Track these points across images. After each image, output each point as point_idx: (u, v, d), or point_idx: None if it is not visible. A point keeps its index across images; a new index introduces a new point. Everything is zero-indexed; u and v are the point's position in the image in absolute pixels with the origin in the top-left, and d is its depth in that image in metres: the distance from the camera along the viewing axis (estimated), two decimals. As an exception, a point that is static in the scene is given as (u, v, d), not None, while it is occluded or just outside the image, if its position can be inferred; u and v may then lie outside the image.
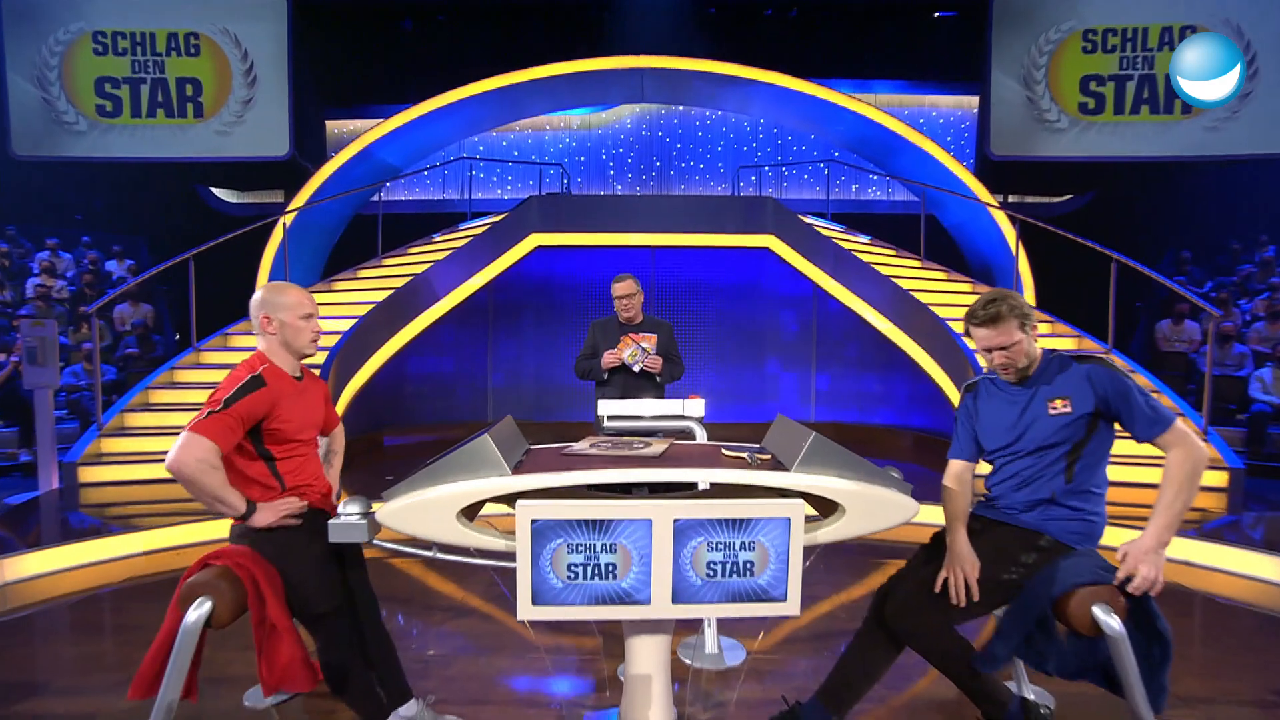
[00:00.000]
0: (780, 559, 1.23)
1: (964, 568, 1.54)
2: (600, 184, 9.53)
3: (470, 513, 1.37)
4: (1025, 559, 1.50)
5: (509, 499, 1.40)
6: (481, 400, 6.89)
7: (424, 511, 1.28)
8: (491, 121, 8.03)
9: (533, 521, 1.23)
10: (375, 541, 1.40)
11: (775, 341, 7.06)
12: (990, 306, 1.56)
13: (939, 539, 1.68)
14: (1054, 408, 1.51)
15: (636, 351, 2.85)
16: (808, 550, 1.27)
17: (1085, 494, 1.52)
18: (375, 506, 1.35)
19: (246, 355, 1.78)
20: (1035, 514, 1.52)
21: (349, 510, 1.35)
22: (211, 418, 1.45)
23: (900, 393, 6.42)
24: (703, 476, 1.34)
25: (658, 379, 2.92)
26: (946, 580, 1.52)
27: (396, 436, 6.21)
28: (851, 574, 3.05)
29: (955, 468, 1.67)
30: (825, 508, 1.38)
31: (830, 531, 1.32)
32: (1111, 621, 1.36)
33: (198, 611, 1.36)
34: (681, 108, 9.00)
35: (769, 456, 1.49)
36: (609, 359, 2.86)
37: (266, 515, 1.50)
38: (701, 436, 2.20)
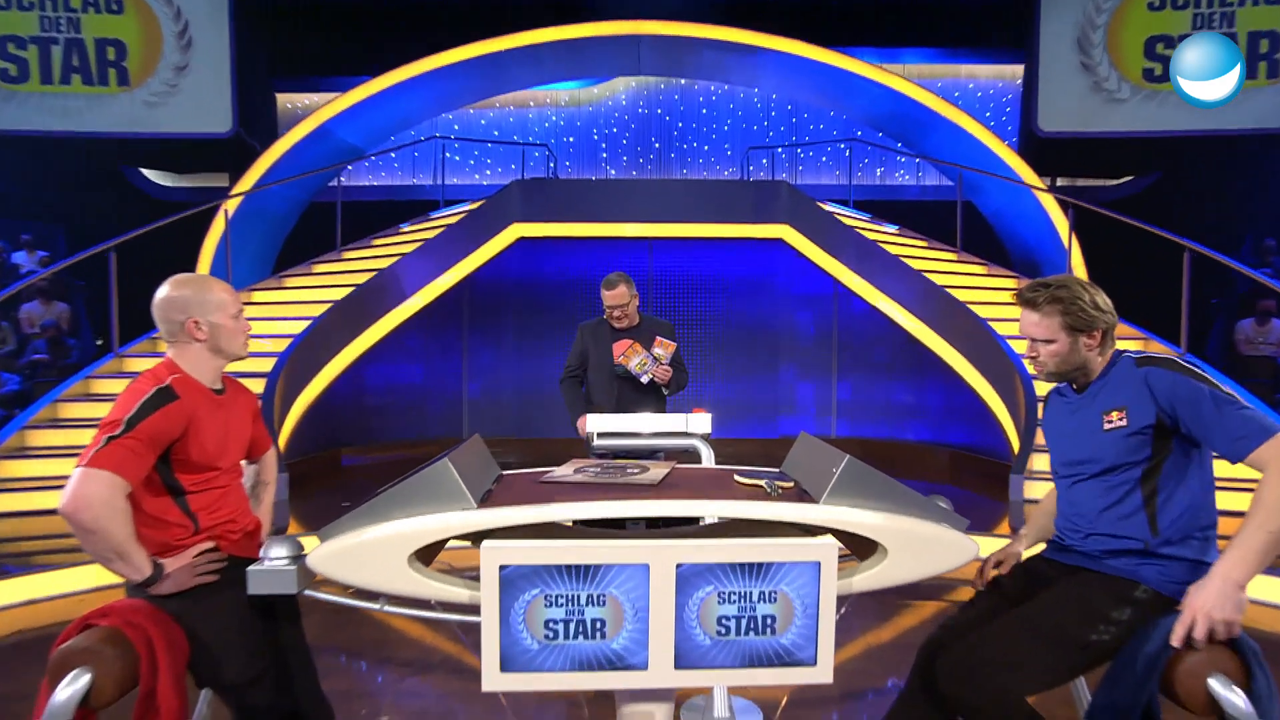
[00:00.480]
0: (808, 613, 1.14)
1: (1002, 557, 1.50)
2: (591, 168, 9.56)
3: (428, 554, 1.28)
4: (1118, 615, 1.35)
5: (476, 537, 1.30)
6: (455, 415, 7.05)
7: (368, 555, 1.18)
8: (468, 96, 7.99)
9: (502, 568, 1.13)
10: (308, 593, 1.29)
11: (791, 346, 7.21)
12: (1037, 290, 1.48)
13: (998, 580, 1.57)
14: (1109, 420, 1.40)
15: (646, 361, 2.80)
16: (839, 600, 1.18)
17: (1185, 541, 1.37)
18: (312, 547, 1.24)
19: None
20: (1124, 561, 1.39)
21: (274, 554, 1.23)
22: (111, 445, 1.30)
23: (934, 404, 6.45)
24: (712, 510, 1.26)
25: (664, 390, 2.91)
26: (1016, 635, 1.36)
27: (357, 456, 6.27)
28: (877, 615, 2.97)
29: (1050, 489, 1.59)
30: (859, 546, 1.30)
31: (869, 578, 1.23)
32: (1234, 698, 1.22)
33: (71, 688, 1.21)
34: (683, 81, 8.97)
35: (791, 484, 1.40)
36: (581, 429, 2.75)
37: (180, 579, 1.36)
38: (708, 458, 2.17)
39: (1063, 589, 1.42)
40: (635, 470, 1.51)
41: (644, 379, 2.80)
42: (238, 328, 1.53)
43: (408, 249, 6.30)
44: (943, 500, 1.31)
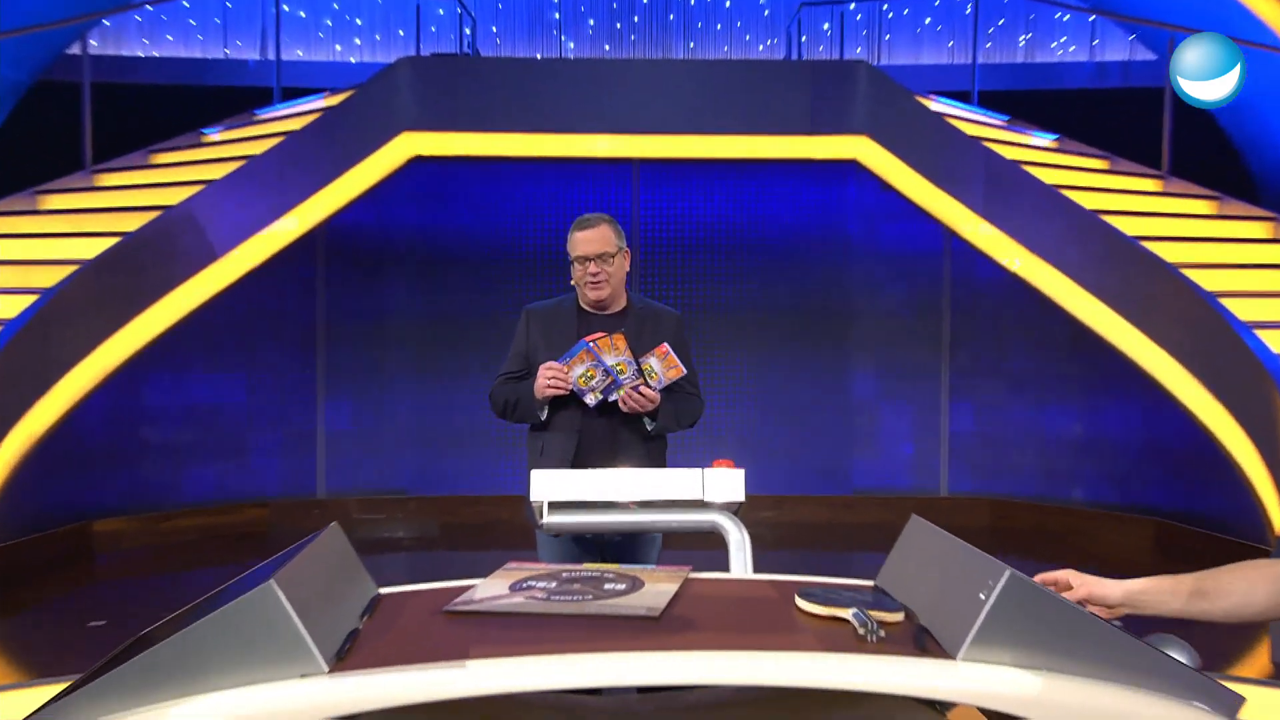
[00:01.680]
0: None
1: (1089, 593, 1.53)
2: (537, 40, 9.54)
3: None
4: None
5: None
6: (305, 459, 7.08)
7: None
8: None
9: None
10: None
11: (871, 340, 7.32)
12: None
13: None
14: None
15: (625, 366, 2.86)
16: None
17: None
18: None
19: None
20: None
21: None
22: None
23: (1120, 439, 6.51)
24: (765, 675, 1.26)
25: (647, 423, 2.96)
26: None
27: (122, 534, 6.21)
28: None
29: None
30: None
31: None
32: None
33: None
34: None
35: (899, 616, 1.43)
36: (540, 376, 2.91)
37: None
38: (743, 549, 2.20)
39: None
40: (618, 583, 1.52)
41: (588, 399, 2.88)
42: None
43: (215, 173, 6.30)
44: (1178, 649, 1.32)
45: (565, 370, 2.84)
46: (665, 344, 2.85)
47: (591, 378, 2.85)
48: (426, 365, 7.11)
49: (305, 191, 6.24)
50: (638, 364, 2.82)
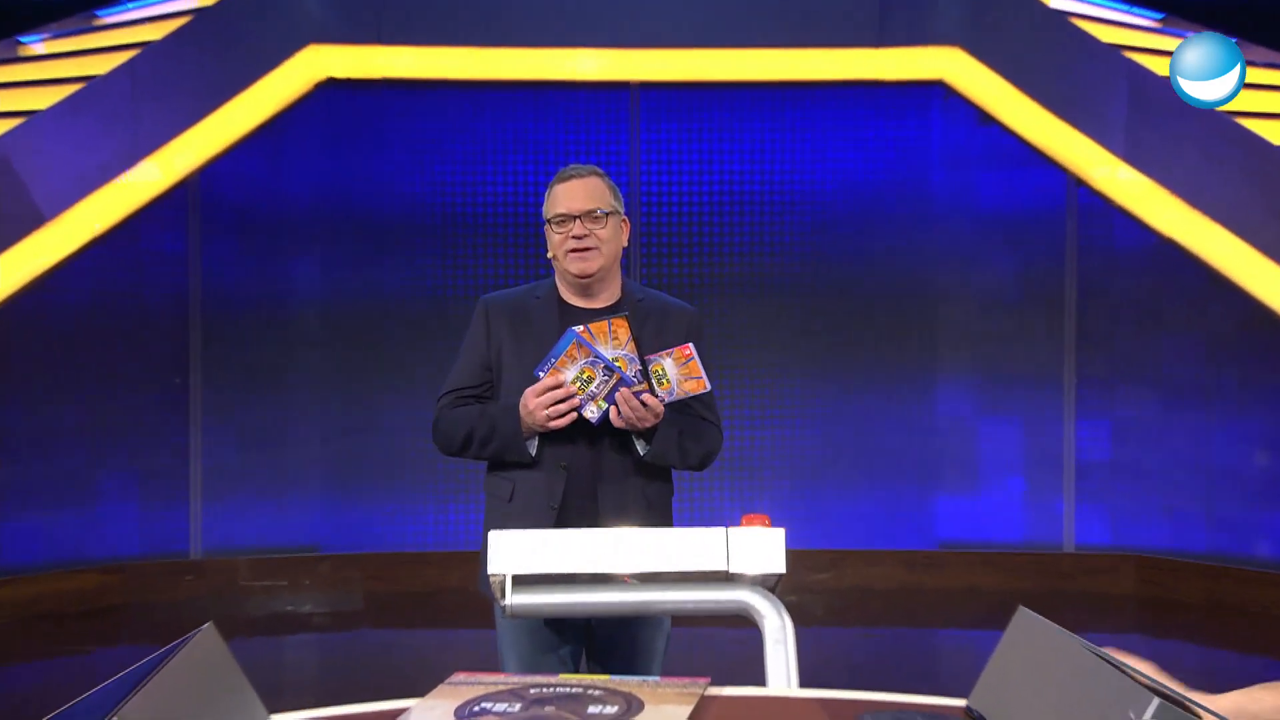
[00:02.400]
0: None
1: None
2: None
3: None
4: None
5: None
6: (171, 504, 7.10)
7: None
8: None
9: None
10: None
11: (962, 336, 7.42)
12: None
13: None
14: None
15: (598, 374, 2.92)
16: None
17: None
18: None
19: None
20: None
21: None
22: None
23: None
24: None
25: (639, 447, 3.04)
26: None
27: None
28: None
29: None
30: None
31: None
32: None
33: None
34: None
35: None
36: (539, 402, 2.96)
37: None
38: (782, 641, 2.18)
39: None
40: (607, 705, 1.58)
41: (587, 413, 2.96)
42: None
43: (40, 101, 6.31)
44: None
45: (556, 377, 2.87)
46: (690, 345, 2.92)
47: (589, 380, 2.88)
48: (345, 373, 7.14)
49: (170, 128, 6.25)
50: (644, 364, 2.86)
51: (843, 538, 7.07)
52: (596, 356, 2.87)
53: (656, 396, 2.90)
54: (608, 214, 3.05)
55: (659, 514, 3.05)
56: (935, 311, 7.24)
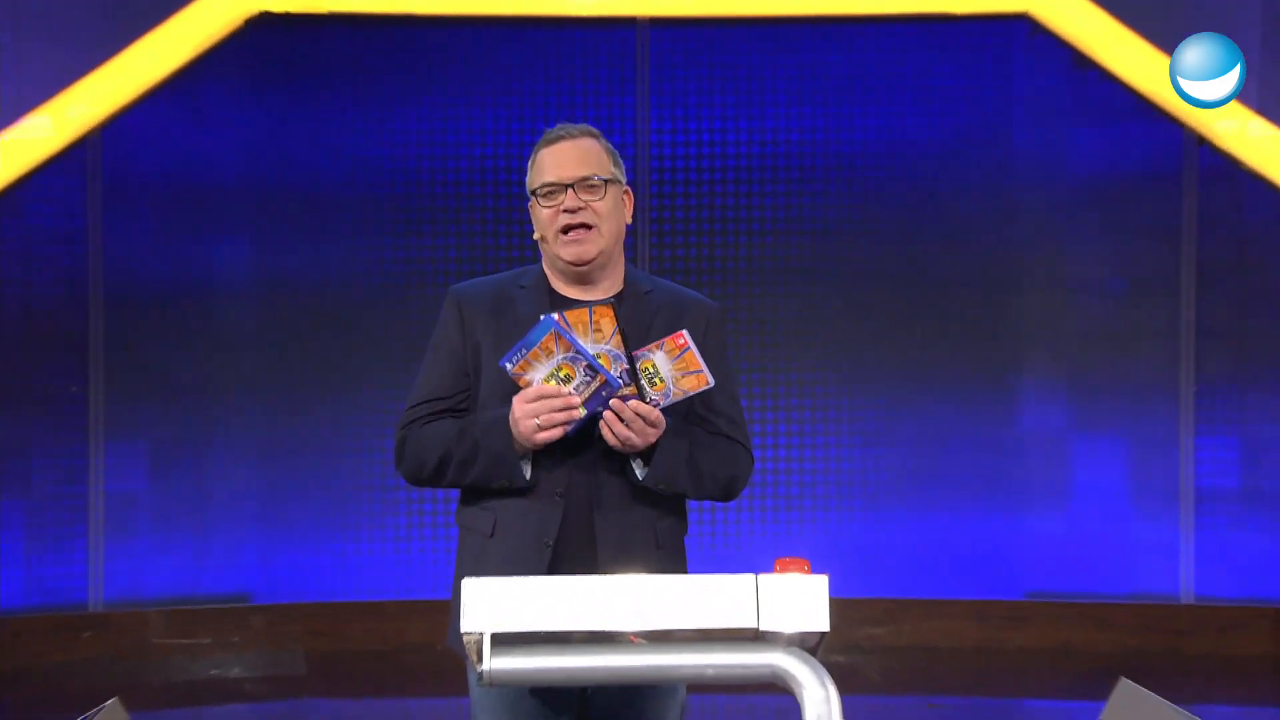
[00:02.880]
0: None
1: None
2: None
3: None
4: None
5: None
6: (66, 545, 7.08)
7: None
8: None
9: None
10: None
11: (1051, 333, 7.42)
12: None
13: None
14: None
15: (579, 372, 2.97)
16: None
17: None
18: None
19: None
20: None
21: None
22: None
23: None
24: None
25: (636, 470, 3.06)
26: None
27: None
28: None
29: None
30: None
31: None
32: None
33: None
34: None
35: None
36: (528, 409, 2.99)
37: None
38: (824, 710, 2.10)
39: None
40: None
41: (569, 427, 2.98)
42: None
43: None
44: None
45: (536, 380, 2.93)
46: (683, 332, 2.97)
47: (567, 380, 2.92)
48: (282, 380, 7.15)
49: (64, 73, 6.27)
50: (632, 361, 2.91)
51: (902, 585, 7.09)
52: (579, 352, 2.89)
53: (649, 401, 2.93)
54: (606, 182, 3.06)
55: (670, 556, 3.07)
56: (1017, 302, 7.23)
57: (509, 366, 2.91)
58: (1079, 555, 7.11)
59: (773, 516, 6.98)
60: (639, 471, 3.01)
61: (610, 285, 3.17)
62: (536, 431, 2.89)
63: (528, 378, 2.90)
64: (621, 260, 3.20)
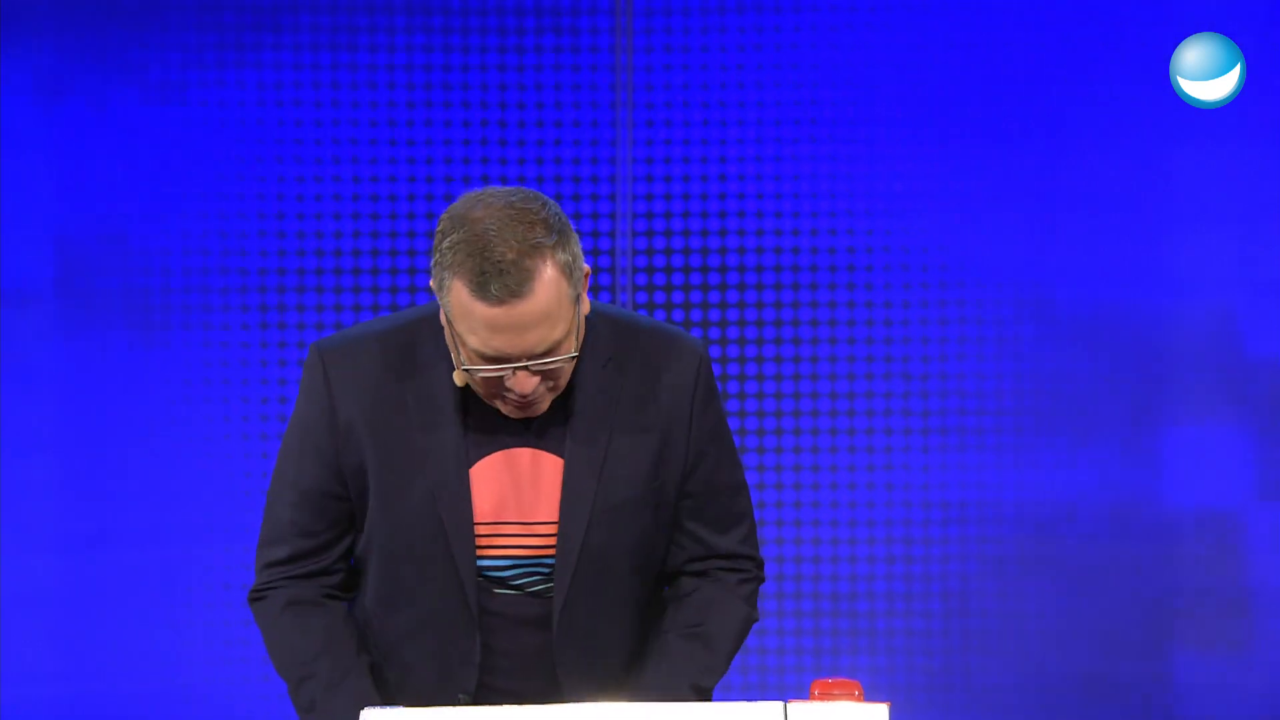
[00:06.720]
0: None
1: None
2: None
3: None
4: None
5: None
6: None
7: None
8: None
9: None
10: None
11: (1204, 375, 6.89)
12: None
13: None
14: None
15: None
16: None
17: None
18: None
19: None
20: None
21: None
22: None
23: None
24: None
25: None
26: None
27: None
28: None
29: None
30: None
31: None
32: None
33: None
34: None
35: None
36: None
37: None
38: None
39: None
40: None
41: None
42: None
43: None
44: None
45: None
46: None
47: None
48: (92, 487, 6.69)
49: None
50: None
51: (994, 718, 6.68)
52: None
53: None
54: (565, 337, 2.69)
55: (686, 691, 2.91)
56: (1162, 334, 6.59)
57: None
58: (1255, 688, 6.44)
59: (808, 623, 6.58)
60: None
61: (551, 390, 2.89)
62: None
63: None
64: (587, 293, 2.88)
